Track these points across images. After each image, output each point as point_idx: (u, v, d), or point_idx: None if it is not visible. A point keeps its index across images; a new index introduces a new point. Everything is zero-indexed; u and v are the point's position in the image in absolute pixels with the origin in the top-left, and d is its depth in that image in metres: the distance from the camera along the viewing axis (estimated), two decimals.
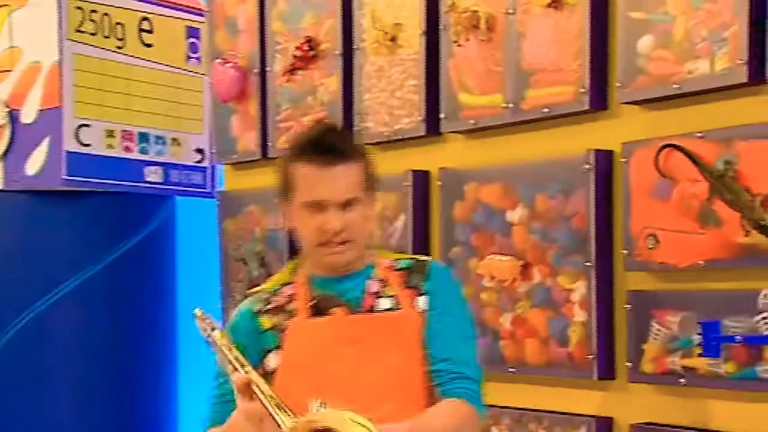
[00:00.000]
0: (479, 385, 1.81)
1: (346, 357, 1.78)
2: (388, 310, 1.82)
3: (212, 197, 3.51)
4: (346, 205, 1.78)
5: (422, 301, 1.83)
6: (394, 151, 2.75)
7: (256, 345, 1.83)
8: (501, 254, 2.43)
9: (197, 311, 1.85)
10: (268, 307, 1.85)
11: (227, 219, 3.26)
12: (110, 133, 3.46)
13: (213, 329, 1.78)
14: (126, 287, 3.48)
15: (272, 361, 1.82)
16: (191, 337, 3.77)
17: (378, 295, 1.83)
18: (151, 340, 3.57)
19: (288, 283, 1.88)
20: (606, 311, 2.26)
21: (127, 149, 3.50)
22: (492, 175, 2.47)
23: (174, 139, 3.62)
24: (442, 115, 2.58)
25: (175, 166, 3.62)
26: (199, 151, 3.68)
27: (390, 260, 1.89)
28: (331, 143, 1.80)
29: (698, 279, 2.10)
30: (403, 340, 1.80)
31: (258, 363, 1.80)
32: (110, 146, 3.46)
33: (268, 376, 1.79)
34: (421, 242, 2.66)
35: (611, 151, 2.26)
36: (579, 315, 2.28)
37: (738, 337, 1.99)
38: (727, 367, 2.02)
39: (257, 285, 3.08)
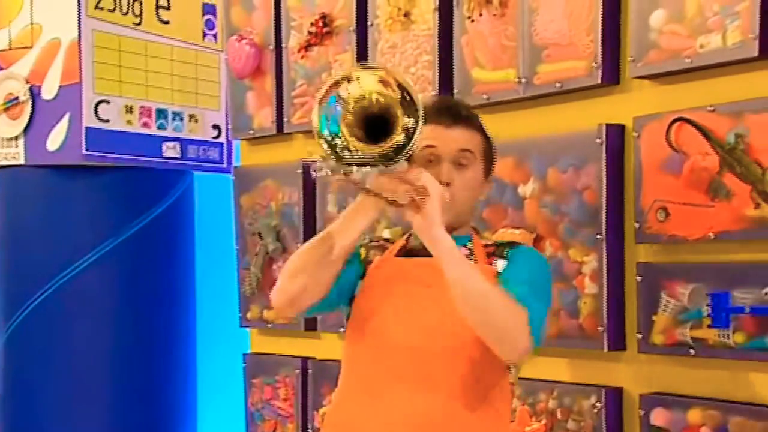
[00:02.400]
0: (537, 321, 1.77)
1: (411, 295, 1.85)
2: None
3: (229, 172, 3.55)
4: (460, 162, 1.85)
5: (500, 264, 1.87)
6: None
7: (355, 270, 1.91)
8: (513, 227, 2.45)
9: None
10: (373, 243, 1.97)
11: (243, 194, 3.29)
12: (129, 109, 3.50)
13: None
14: (144, 261, 3.53)
15: (356, 288, 1.91)
16: (209, 309, 3.84)
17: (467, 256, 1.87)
18: (170, 312, 3.62)
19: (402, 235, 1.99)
20: (617, 283, 2.29)
21: (146, 125, 3.54)
22: (505, 149, 2.46)
23: (191, 116, 3.66)
24: (455, 91, 2.60)
25: (192, 141, 3.66)
26: (216, 127, 3.72)
27: (489, 241, 1.94)
28: (454, 108, 1.90)
29: (708, 251, 2.13)
30: None
31: (354, 287, 1.91)
32: (129, 122, 3.50)
33: (348, 313, 1.92)
34: None
35: (623, 125, 2.28)
36: (590, 287, 2.31)
37: (747, 308, 2.01)
38: (735, 338, 2.04)
39: (273, 259, 3.15)
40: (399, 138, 1.67)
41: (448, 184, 1.82)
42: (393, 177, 1.72)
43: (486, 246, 1.91)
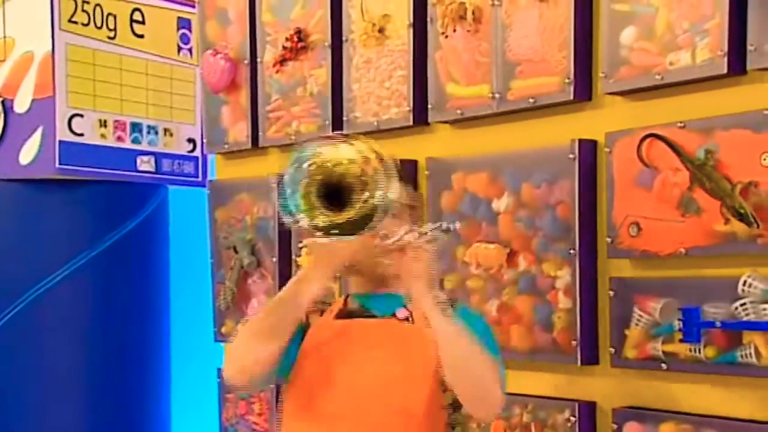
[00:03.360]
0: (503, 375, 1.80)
1: (355, 359, 1.83)
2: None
3: (203, 186, 3.54)
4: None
5: None
6: (382, 141, 2.77)
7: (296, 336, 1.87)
8: (487, 242, 2.46)
9: None
10: (312, 309, 1.89)
11: (218, 207, 3.28)
12: (103, 123, 3.48)
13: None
14: (118, 275, 3.51)
15: (293, 354, 1.87)
16: (183, 324, 3.82)
17: (406, 320, 1.87)
18: (144, 327, 3.60)
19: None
20: (589, 298, 2.30)
21: (120, 139, 3.53)
22: (478, 164, 2.50)
23: (166, 129, 3.65)
24: (429, 106, 2.62)
25: (166, 155, 3.65)
26: (191, 141, 3.71)
27: None
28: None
29: (679, 266, 2.14)
30: (411, 352, 1.82)
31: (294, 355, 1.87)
32: (103, 136, 3.48)
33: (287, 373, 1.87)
34: None
35: (595, 141, 2.30)
36: (563, 302, 2.32)
37: (717, 323, 2.03)
38: (706, 352, 2.06)
39: (248, 273, 3.14)
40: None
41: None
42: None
43: None
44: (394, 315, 1.88)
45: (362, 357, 1.83)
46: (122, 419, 3.51)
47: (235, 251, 3.18)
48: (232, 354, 1.87)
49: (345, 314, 1.90)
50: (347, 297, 1.93)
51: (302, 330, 1.88)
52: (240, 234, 3.18)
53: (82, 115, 3.42)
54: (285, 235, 3.05)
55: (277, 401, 1.90)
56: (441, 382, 1.80)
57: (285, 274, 3.03)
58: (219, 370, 3.28)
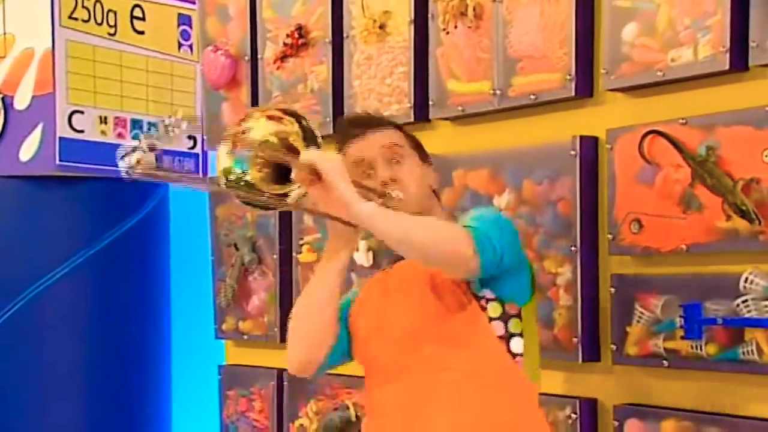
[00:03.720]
0: (491, 241, 1.74)
1: (379, 308, 1.89)
2: None
3: (208, 192, 3.53)
4: (394, 159, 1.87)
5: None
6: None
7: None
8: None
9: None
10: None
11: (219, 204, 3.28)
12: (103, 120, 3.48)
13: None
14: (119, 272, 3.51)
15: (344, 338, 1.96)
16: (184, 321, 3.82)
17: None
18: (144, 324, 3.60)
19: None
20: (591, 295, 2.29)
21: (120, 135, 3.52)
22: (479, 161, 2.50)
23: (166, 126, 3.64)
24: (430, 102, 2.61)
25: (167, 152, 3.64)
26: (191, 137, 3.71)
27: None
28: (354, 118, 1.95)
29: (681, 263, 2.14)
30: (438, 284, 1.83)
31: None
32: (103, 132, 3.48)
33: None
34: None
35: (596, 137, 2.29)
36: (564, 299, 2.31)
37: (719, 320, 2.02)
38: (708, 349, 2.05)
39: (248, 270, 3.14)
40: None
41: (393, 181, 1.85)
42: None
43: None
44: None
45: (385, 305, 1.88)
46: (123, 416, 3.50)
47: (236, 248, 3.18)
48: (291, 346, 1.92)
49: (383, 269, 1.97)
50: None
51: (347, 309, 1.95)
52: (241, 231, 3.18)
53: (82, 112, 3.42)
54: (286, 232, 3.05)
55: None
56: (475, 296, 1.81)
57: (286, 271, 3.04)
58: (220, 367, 3.29)
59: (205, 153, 3.70)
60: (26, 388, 3.43)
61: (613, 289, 2.24)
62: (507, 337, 1.85)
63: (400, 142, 1.91)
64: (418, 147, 1.96)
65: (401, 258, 1.89)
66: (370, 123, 1.93)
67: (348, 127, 1.94)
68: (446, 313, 1.82)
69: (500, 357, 1.84)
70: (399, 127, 1.98)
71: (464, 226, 1.77)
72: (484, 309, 1.83)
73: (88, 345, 3.47)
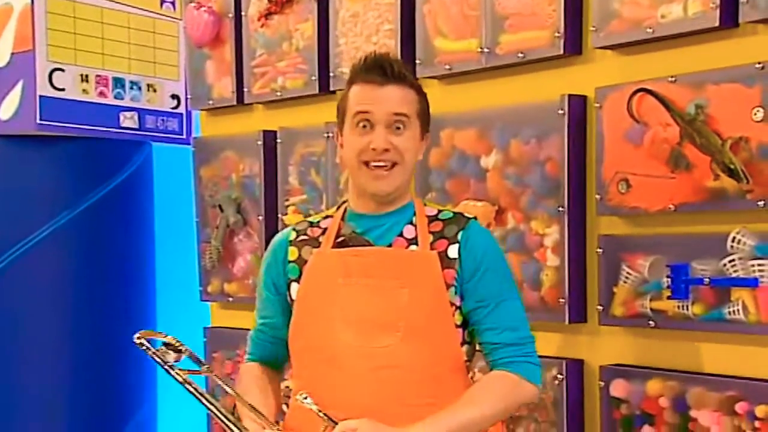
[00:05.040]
0: (527, 346, 1.82)
1: (356, 291, 1.80)
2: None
3: (188, 143, 3.50)
4: (395, 126, 1.80)
5: (452, 250, 1.82)
6: None
7: (284, 275, 1.89)
8: (476, 200, 2.44)
9: (138, 338, 1.92)
10: (301, 238, 1.90)
11: (203, 165, 3.24)
12: (84, 78, 3.42)
13: (172, 366, 1.90)
14: (102, 233, 3.47)
15: (293, 291, 1.88)
16: (168, 283, 3.79)
17: (412, 242, 1.82)
18: (128, 287, 3.57)
19: (329, 217, 1.91)
20: (578, 256, 2.28)
21: (102, 94, 3.47)
22: (467, 120, 2.47)
23: (149, 85, 3.59)
24: (417, 61, 2.57)
25: (150, 111, 3.59)
26: (175, 97, 3.65)
27: (433, 209, 1.89)
28: (385, 64, 1.80)
29: (668, 223, 2.13)
30: (416, 277, 1.80)
31: (286, 293, 1.89)
32: (85, 91, 3.42)
33: (292, 305, 1.88)
34: None
35: (585, 96, 2.27)
36: (551, 259, 2.30)
37: (706, 280, 2.02)
38: (694, 309, 2.05)
39: (234, 231, 3.10)
40: None
41: (387, 150, 1.78)
42: None
43: (429, 219, 1.86)
44: (391, 245, 1.82)
45: (363, 289, 1.80)
46: (107, 380, 3.49)
47: (221, 210, 3.15)
48: None
49: (339, 243, 1.85)
50: (343, 222, 1.87)
51: (296, 266, 1.87)
52: (225, 192, 3.15)
53: (63, 70, 3.36)
54: (271, 193, 3.02)
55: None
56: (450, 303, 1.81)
57: (271, 232, 3.01)
58: (205, 329, 3.27)
59: (188, 113, 3.65)
60: (8, 352, 3.41)
61: (600, 250, 2.23)
62: (461, 343, 1.86)
63: (410, 110, 1.81)
64: (423, 116, 1.86)
65: (363, 242, 1.83)
66: (394, 75, 1.79)
67: (371, 69, 1.80)
68: (416, 308, 1.79)
69: (456, 359, 1.84)
70: (419, 87, 1.87)
71: (511, 361, 1.80)
72: (452, 314, 1.83)
73: (71, 307, 3.44)
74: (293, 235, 1.91)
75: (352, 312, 1.80)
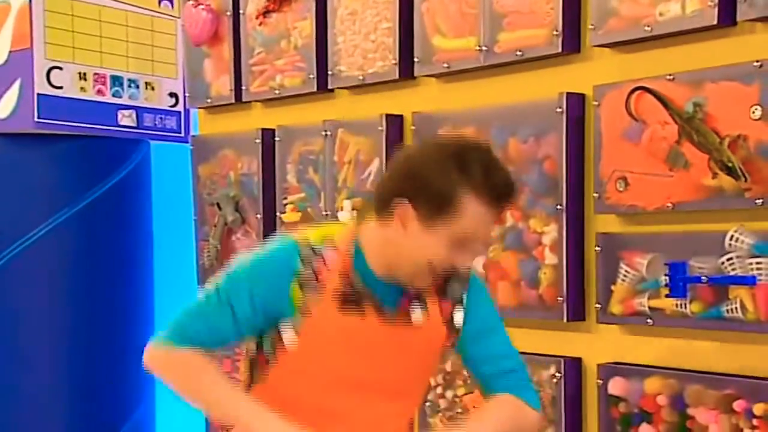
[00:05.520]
0: (524, 372, 1.80)
1: (361, 358, 1.70)
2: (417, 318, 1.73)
3: (186, 142, 3.49)
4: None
5: (458, 317, 1.75)
6: (367, 95, 2.74)
7: (277, 306, 1.68)
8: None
9: None
10: (307, 277, 1.66)
11: (201, 163, 3.24)
12: (83, 76, 3.42)
13: None
14: (100, 232, 3.47)
15: (287, 333, 1.69)
16: (167, 281, 3.79)
17: (415, 299, 1.72)
18: (127, 284, 3.57)
19: (333, 247, 1.68)
20: (576, 254, 2.28)
21: (100, 92, 3.46)
22: (465, 118, 2.47)
23: (147, 83, 3.58)
24: (415, 59, 2.57)
25: (148, 110, 3.58)
26: (173, 95, 3.65)
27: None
28: (514, 192, 1.64)
29: (666, 221, 2.13)
30: (423, 352, 1.75)
31: (266, 319, 1.68)
32: (83, 89, 3.41)
33: (273, 340, 1.70)
34: None
35: (583, 94, 2.26)
36: (550, 258, 2.30)
37: (704, 278, 2.02)
38: (692, 307, 2.05)
39: (232, 230, 3.09)
40: None
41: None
42: None
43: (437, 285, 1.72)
44: (400, 309, 1.70)
45: (369, 360, 1.70)
46: (106, 378, 3.49)
47: (219, 208, 3.15)
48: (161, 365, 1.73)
49: (349, 298, 1.67)
50: (351, 273, 1.68)
51: (294, 309, 1.67)
52: (223, 190, 3.15)
53: (60, 68, 3.35)
54: (269, 192, 3.02)
55: (257, 354, 1.76)
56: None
57: (269, 230, 3.01)
58: None
59: (186, 111, 3.65)
60: (8, 348, 3.41)
61: (598, 248, 2.23)
62: None
63: None
64: None
65: (369, 301, 1.68)
66: (510, 202, 1.66)
67: (503, 196, 1.61)
68: (425, 374, 1.83)
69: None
70: None
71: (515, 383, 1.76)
72: None
73: (69, 306, 3.44)
74: (299, 266, 1.67)
75: (352, 376, 1.71)
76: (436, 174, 1.56)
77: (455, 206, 1.56)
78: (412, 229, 1.60)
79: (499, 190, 1.59)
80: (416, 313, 1.71)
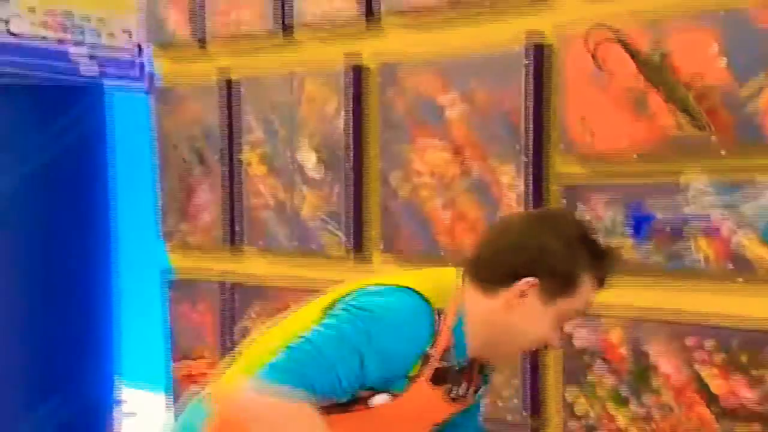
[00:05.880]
0: None
1: (420, 428, 1.68)
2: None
3: (145, 87, 3.41)
4: None
5: (483, 390, 1.77)
6: (329, 39, 2.70)
7: (401, 366, 1.58)
8: (437, 146, 2.43)
9: None
10: (430, 344, 1.59)
11: (161, 109, 3.18)
12: (31, 10, 3.26)
13: None
14: (59, 184, 3.39)
15: (381, 396, 1.59)
16: (128, 224, 3.74)
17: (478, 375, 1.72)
18: (88, 232, 3.51)
19: (445, 314, 1.61)
20: (540, 201, 2.28)
21: (51, 28, 3.32)
22: (429, 65, 2.44)
23: (102, 24, 3.46)
24: (382, 7, 2.52)
25: (106, 55, 3.47)
26: (127, 32, 3.52)
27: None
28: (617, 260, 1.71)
29: (629, 168, 2.14)
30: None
31: (366, 381, 1.56)
32: (33, 25, 3.26)
33: (356, 395, 1.57)
34: (357, 133, 2.64)
35: (548, 41, 2.25)
36: (513, 205, 2.31)
37: (665, 225, 2.04)
38: (653, 254, 2.07)
39: (192, 176, 3.04)
40: None
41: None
42: None
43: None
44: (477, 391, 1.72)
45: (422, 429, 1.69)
46: (68, 327, 3.45)
47: (183, 160, 3.10)
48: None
49: (444, 374, 1.62)
50: (450, 352, 1.61)
51: (408, 376, 1.59)
52: (184, 134, 3.10)
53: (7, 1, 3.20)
54: (232, 140, 2.98)
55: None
56: None
57: (230, 174, 2.98)
58: (164, 271, 3.25)
59: (146, 56, 3.53)
60: None
61: (562, 195, 2.24)
62: None
63: None
64: None
65: (459, 382, 1.65)
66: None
67: (608, 276, 1.65)
68: None
69: None
70: None
71: None
72: None
73: (29, 256, 3.38)
74: (430, 334, 1.58)
75: None
76: (565, 253, 1.59)
77: (577, 285, 1.60)
78: (531, 304, 1.60)
79: (608, 272, 1.65)
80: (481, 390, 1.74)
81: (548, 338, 1.64)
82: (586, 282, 1.61)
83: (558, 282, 1.59)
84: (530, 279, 1.58)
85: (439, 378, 1.61)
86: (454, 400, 1.66)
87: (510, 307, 1.60)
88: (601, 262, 1.63)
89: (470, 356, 1.64)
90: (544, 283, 1.59)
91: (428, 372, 1.60)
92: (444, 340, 1.60)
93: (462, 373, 1.65)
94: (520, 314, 1.60)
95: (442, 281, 1.65)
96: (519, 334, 1.63)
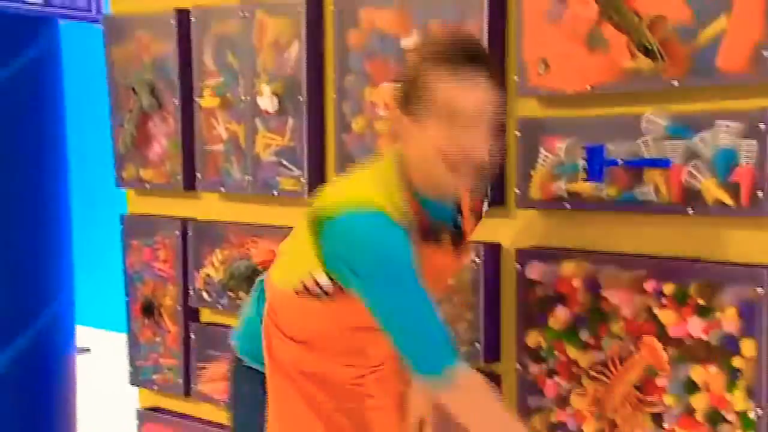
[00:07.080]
0: None
1: (434, 283, 1.75)
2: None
3: (98, 21, 3.32)
4: (493, 132, 1.67)
5: (485, 206, 1.96)
6: None
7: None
8: (395, 82, 2.38)
9: None
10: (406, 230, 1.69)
11: (114, 45, 3.11)
12: None
13: None
14: (8, 119, 3.32)
15: None
16: (81, 169, 3.67)
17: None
18: (40, 174, 3.44)
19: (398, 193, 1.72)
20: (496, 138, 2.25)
21: None
22: (388, 1, 2.39)
23: None
24: None
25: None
26: None
27: None
28: (483, 55, 1.64)
29: (585, 104, 2.11)
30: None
31: None
32: None
33: None
34: (315, 70, 2.59)
35: None
36: None
37: (620, 161, 2.02)
38: (609, 191, 2.05)
39: (148, 115, 2.96)
40: None
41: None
42: None
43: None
44: (461, 214, 1.84)
45: (437, 285, 1.82)
46: (23, 273, 3.40)
47: (134, 92, 3.03)
48: None
49: (427, 232, 1.75)
50: (420, 209, 1.74)
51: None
52: (139, 74, 3.03)
53: None
54: (186, 76, 2.91)
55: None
56: None
57: (187, 116, 2.92)
58: (122, 216, 3.20)
59: None
60: None
61: (518, 133, 2.21)
62: None
63: (501, 107, 1.69)
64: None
65: (443, 229, 1.81)
66: (489, 65, 1.63)
67: (461, 54, 1.61)
68: None
69: None
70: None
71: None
72: None
73: None
74: (405, 231, 1.69)
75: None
76: (406, 71, 1.67)
77: (423, 85, 1.62)
78: (410, 132, 1.67)
79: (454, 50, 1.60)
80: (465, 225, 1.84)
81: (448, 147, 1.63)
82: (432, 75, 1.61)
83: (410, 97, 1.64)
84: (396, 114, 1.67)
85: (428, 234, 1.75)
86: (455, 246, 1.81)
87: (397, 138, 1.69)
88: (435, 48, 1.62)
89: (424, 194, 1.72)
90: (404, 108, 1.66)
91: (417, 236, 1.71)
92: (411, 207, 1.71)
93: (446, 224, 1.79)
94: (411, 144, 1.68)
95: (376, 173, 1.74)
96: (424, 157, 1.67)
